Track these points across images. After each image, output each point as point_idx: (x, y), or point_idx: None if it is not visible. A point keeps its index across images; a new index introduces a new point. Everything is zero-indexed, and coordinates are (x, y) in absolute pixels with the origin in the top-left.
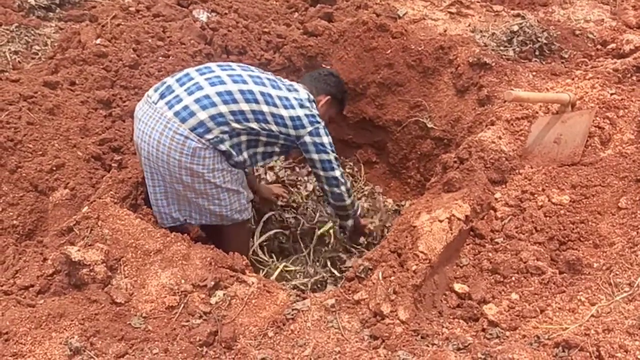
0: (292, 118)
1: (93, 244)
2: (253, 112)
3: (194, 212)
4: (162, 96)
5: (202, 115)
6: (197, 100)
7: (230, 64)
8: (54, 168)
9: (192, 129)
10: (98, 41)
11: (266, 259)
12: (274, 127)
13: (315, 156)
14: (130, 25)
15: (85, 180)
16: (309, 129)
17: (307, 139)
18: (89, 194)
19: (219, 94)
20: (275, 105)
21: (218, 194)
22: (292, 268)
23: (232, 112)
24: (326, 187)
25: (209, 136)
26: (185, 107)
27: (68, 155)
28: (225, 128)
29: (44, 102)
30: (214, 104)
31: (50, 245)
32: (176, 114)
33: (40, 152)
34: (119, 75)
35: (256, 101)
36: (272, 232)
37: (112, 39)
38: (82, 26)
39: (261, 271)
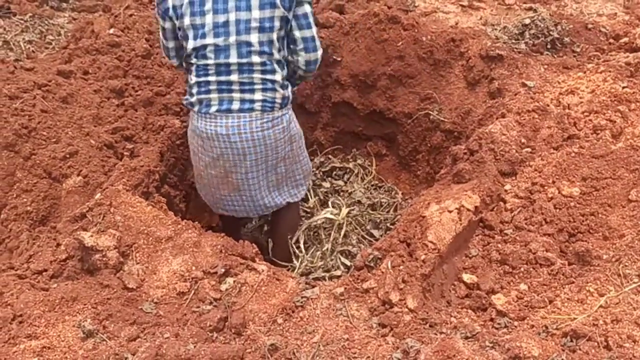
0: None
1: (105, 230)
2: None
3: (293, 189)
4: (225, 108)
5: (277, 94)
6: (252, 91)
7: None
8: (68, 155)
9: (281, 106)
10: (111, 31)
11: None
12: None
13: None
14: (142, 15)
15: (98, 168)
16: None
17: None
18: (102, 181)
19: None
20: (271, 23)
21: (303, 146)
22: (317, 264)
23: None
24: (308, 57)
25: (288, 92)
26: (252, 101)
27: (81, 143)
28: (279, 80)
29: (58, 90)
30: (267, 71)
31: (64, 231)
32: (263, 109)
33: (54, 140)
34: (132, 65)
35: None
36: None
37: (124, 29)
38: (96, 16)
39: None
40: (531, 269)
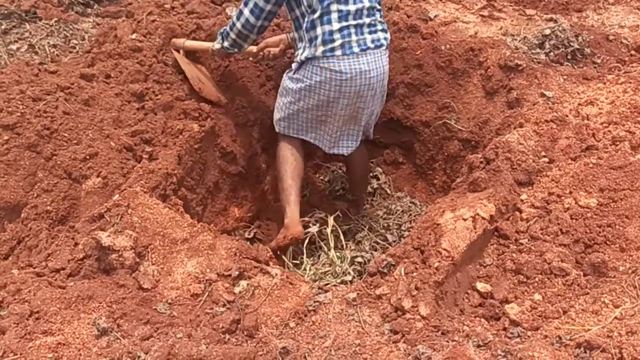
0: None
1: (122, 231)
2: None
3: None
4: (365, 47)
5: (387, 34)
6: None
7: None
8: (88, 157)
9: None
10: (133, 36)
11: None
12: None
13: None
14: (164, 21)
15: (117, 170)
16: None
17: None
18: (120, 183)
19: None
20: None
21: None
22: (324, 270)
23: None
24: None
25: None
26: (378, 39)
27: (101, 145)
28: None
29: (80, 93)
30: (380, 14)
31: (82, 230)
32: (386, 45)
33: (75, 141)
34: (153, 70)
35: None
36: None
37: (147, 34)
38: (119, 22)
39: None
40: (546, 279)
